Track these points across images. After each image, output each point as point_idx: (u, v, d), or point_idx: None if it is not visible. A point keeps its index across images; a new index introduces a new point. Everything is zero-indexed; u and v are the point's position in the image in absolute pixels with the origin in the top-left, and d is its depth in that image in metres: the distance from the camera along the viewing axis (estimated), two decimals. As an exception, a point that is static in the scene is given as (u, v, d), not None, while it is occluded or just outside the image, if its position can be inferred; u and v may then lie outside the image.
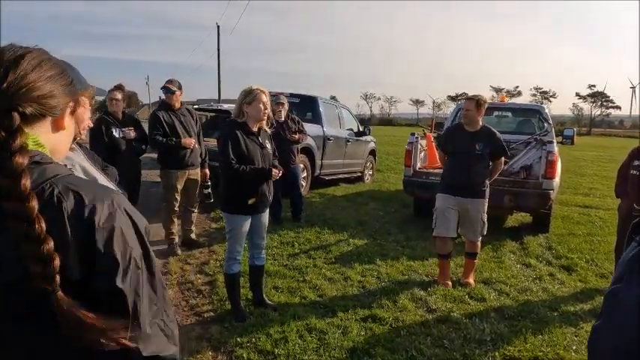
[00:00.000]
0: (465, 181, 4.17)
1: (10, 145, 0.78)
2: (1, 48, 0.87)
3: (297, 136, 6.22)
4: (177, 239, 5.16)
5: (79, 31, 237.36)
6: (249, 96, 3.33)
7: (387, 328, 3.38)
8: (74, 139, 2.48)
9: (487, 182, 4.30)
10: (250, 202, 3.35)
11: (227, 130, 3.39)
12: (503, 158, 4.47)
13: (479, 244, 4.37)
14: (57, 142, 0.94)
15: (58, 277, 0.77)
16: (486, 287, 4.32)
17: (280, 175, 3.48)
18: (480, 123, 4.26)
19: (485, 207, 4.27)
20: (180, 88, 4.99)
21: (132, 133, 4.76)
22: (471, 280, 4.38)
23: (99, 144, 4.43)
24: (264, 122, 3.52)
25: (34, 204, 0.77)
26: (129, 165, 4.62)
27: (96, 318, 0.78)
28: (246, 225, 3.44)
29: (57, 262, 0.77)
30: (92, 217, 0.81)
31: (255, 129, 3.44)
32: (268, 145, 3.52)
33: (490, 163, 4.30)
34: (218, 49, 34.91)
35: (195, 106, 9.08)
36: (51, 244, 0.76)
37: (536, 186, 5.95)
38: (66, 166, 0.97)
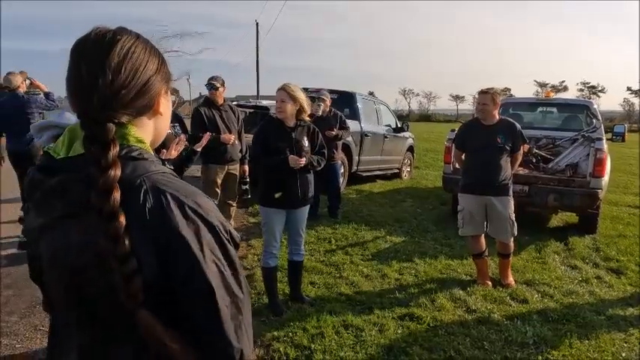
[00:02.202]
0: (488, 176, 4.05)
1: (104, 158, 0.76)
2: (84, 40, 0.82)
3: (333, 132, 6.18)
4: (216, 233, 5.25)
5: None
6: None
7: (424, 327, 3.34)
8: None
9: (511, 178, 4.17)
10: (277, 195, 3.38)
11: (258, 127, 3.48)
12: (522, 149, 4.30)
13: (511, 244, 4.21)
14: (157, 128, 0.92)
15: (140, 293, 0.75)
16: (529, 289, 4.19)
17: (302, 163, 3.40)
18: (497, 116, 4.15)
19: (512, 204, 4.13)
20: (223, 84, 5.07)
21: (183, 138, 4.82)
22: (511, 280, 4.27)
23: None
24: (305, 116, 3.53)
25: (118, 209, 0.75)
26: (173, 161, 4.73)
27: (180, 350, 0.75)
28: (280, 219, 3.47)
29: (137, 280, 0.75)
30: (173, 217, 0.77)
31: (291, 124, 3.46)
32: (305, 141, 3.53)
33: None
34: (257, 47, 35.34)
35: (234, 103, 9.23)
36: (126, 248, 0.74)
37: (583, 185, 5.72)
38: (164, 163, 0.96)
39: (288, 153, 3.41)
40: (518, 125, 4.19)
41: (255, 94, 34.00)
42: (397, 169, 10.59)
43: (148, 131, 0.90)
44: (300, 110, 3.48)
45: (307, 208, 3.65)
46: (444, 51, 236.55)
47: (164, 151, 2.98)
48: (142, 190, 0.78)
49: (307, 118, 3.59)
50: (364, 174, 9.14)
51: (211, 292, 0.78)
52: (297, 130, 3.52)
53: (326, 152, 3.69)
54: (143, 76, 0.84)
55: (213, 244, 0.80)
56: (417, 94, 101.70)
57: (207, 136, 3.51)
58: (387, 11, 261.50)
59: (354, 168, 8.68)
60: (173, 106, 5.05)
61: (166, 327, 0.76)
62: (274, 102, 3.94)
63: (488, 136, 4.09)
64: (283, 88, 3.41)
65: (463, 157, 4.40)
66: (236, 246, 0.85)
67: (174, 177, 0.85)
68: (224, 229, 0.83)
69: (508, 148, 4.08)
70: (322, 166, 3.63)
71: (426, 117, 74.92)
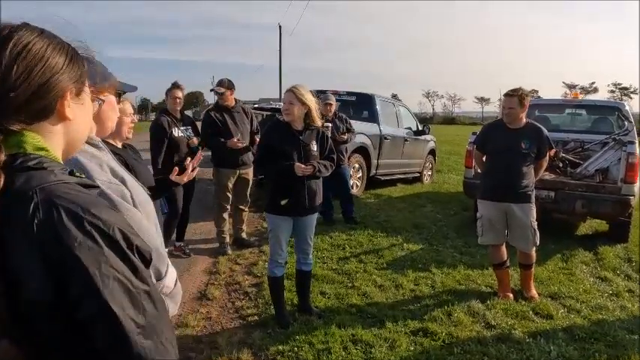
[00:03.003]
0: (509, 182, 3.80)
1: None
2: None
3: (345, 136, 6.04)
4: (228, 238, 5.15)
5: (138, 34, 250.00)
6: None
7: (439, 344, 3.12)
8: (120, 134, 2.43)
9: (533, 185, 3.91)
10: (283, 202, 3.23)
11: (264, 131, 3.35)
12: (548, 155, 4.02)
13: (533, 254, 3.94)
14: (69, 135, 0.83)
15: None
16: (554, 302, 3.92)
17: (308, 172, 3.24)
18: (524, 120, 3.89)
19: (534, 212, 3.87)
20: (229, 87, 4.95)
21: (195, 140, 4.75)
22: (534, 293, 4.00)
23: (160, 143, 4.47)
24: (317, 120, 3.38)
25: None
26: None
27: None
28: (286, 227, 3.33)
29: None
30: (66, 233, 0.69)
31: (298, 127, 3.31)
32: (314, 145, 3.37)
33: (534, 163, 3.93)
34: (280, 49, 35.41)
35: (255, 105, 9.15)
36: None
37: (613, 191, 5.39)
38: (73, 172, 0.83)
39: (296, 158, 3.26)
40: (545, 130, 3.94)
41: (278, 96, 34.08)
42: (418, 172, 10.34)
43: (53, 139, 0.79)
44: (309, 113, 3.34)
45: (315, 215, 3.49)
46: (467, 51, 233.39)
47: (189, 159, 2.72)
48: (32, 203, 0.70)
49: (319, 123, 3.43)
50: (383, 178, 8.93)
51: (111, 313, 0.69)
52: (306, 133, 3.36)
53: (335, 157, 3.52)
54: (41, 77, 0.74)
55: (115, 261, 0.72)
56: (442, 97, 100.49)
57: (192, 163, 2.64)
58: (410, 11, 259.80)
59: (373, 172, 8.49)
60: (192, 108, 5.00)
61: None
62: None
63: (512, 139, 3.85)
64: (291, 90, 3.27)
65: (484, 159, 4.17)
66: (145, 261, 0.77)
67: (77, 188, 0.75)
68: (128, 244, 0.74)
69: (533, 154, 3.84)
70: (330, 172, 3.47)
71: (450, 120, 74.03)
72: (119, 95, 1.73)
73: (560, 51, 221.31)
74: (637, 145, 5.64)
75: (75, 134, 0.84)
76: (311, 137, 3.39)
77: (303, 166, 3.21)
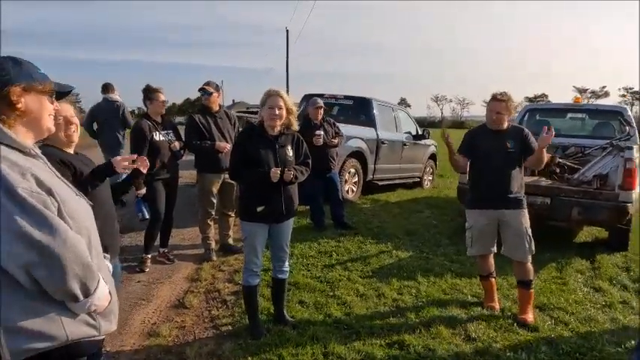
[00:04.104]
0: (499, 187, 3.65)
1: None
2: None
3: (336, 140, 5.95)
4: (213, 244, 5.07)
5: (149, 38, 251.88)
6: (263, 98, 3.17)
7: (413, 358, 3.00)
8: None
9: (523, 190, 3.76)
10: (259, 209, 3.13)
11: (238, 136, 3.25)
12: (541, 153, 3.67)
13: (530, 266, 3.69)
14: None
15: None
16: (541, 314, 3.76)
17: (289, 177, 3.16)
18: (507, 123, 3.77)
19: (527, 218, 3.71)
20: (217, 89, 4.89)
21: (177, 144, 4.67)
22: (530, 317, 3.62)
23: (141, 147, 4.40)
24: (295, 125, 3.30)
25: None
26: (168, 168, 4.59)
27: None
28: (262, 234, 3.23)
29: None
30: None
31: (274, 132, 3.22)
32: (290, 150, 3.28)
33: (522, 165, 3.77)
34: (287, 54, 35.41)
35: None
36: None
37: (610, 198, 5.22)
38: None
39: (272, 163, 3.17)
40: (527, 130, 3.81)
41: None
42: (418, 177, 10.20)
43: None
44: (290, 118, 3.26)
45: (292, 221, 3.39)
46: (480, 54, 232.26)
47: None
48: None
49: (296, 128, 3.35)
50: (381, 183, 8.81)
51: None
52: (281, 138, 3.27)
53: (310, 162, 3.43)
54: None
55: None
56: (450, 101, 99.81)
57: (142, 160, 2.74)
58: (416, 12, 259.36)
59: (370, 177, 8.37)
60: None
61: None
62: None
63: (497, 141, 3.72)
64: (280, 95, 3.17)
65: (468, 166, 4.03)
66: None
67: None
68: None
69: (518, 154, 3.70)
70: (306, 177, 3.37)
71: (459, 124, 73.47)
72: (56, 96, 1.62)
73: (571, 54, 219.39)
74: (635, 150, 5.47)
75: None
76: (287, 142, 3.31)
77: (276, 172, 3.11)
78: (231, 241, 5.29)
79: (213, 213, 5.04)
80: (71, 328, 1.37)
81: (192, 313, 3.70)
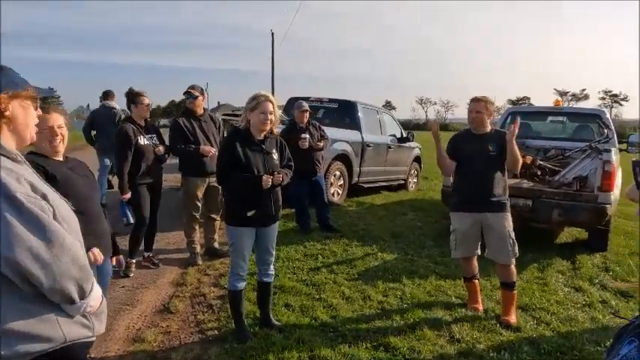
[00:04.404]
0: (482, 191, 3.71)
1: None
2: None
3: (321, 144, 5.98)
4: (198, 248, 5.05)
5: (129, 41, 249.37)
6: (252, 102, 3.15)
7: (398, 359, 3.03)
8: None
9: (507, 193, 3.83)
10: (249, 214, 3.13)
11: (225, 140, 3.25)
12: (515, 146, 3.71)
13: (513, 268, 3.75)
14: None
15: None
16: (523, 314, 3.83)
17: (278, 181, 3.19)
18: (489, 126, 3.87)
19: (510, 222, 3.77)
20: (202, 93, 4.89)
21: (162, 149, 4.64)
22: (513, 319, 3.67)
23: (126, 151, 4.36)
24: (274, 129, 3.33)
25: None
26: (152, 172, 4.56)
27: None
28: (249, 238, 3.23)
29: None
30: None
31: (260, 137, 3.23)
32: (275, 154, 3.30)
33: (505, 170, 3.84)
34: (272, 56, 35.39)
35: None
36: None
37: (590, 199, 5.34)
38: None
39: (261, 168, 3.18)
40: (508, 132, 3.89)
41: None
42: (403, 180, 10.28)
43: None
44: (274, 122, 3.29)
45: (277, 224, 3.41)
46: (465, 55, 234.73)
47: None
48: None
49: (276, 132, 3.39)
50: (366, 185, 8.86)
51: None
52: (267, 142, 3.28)
53: (293, 165, 3.46)
54: None
55: None
56: (435, 103, 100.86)
57: None
58: (402, 15, 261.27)
59: (355, 179, 8.41)
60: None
61: None
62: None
63: (479, 144, 3.79)
64: (270, 100, 3.18)
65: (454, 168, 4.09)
66: None
67: None
68: None
69: (500, 157, 3.77)
70: (289, 179, 3.40)
71: (443, 126, 73.91)
72: (38, 101, 1.61)
73: (553, 57, 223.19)
74: (613, 152, 5.60)
75: None
76: (272, 146, 3.32)
77: (269, 179, 3.13)
78: (216, 244, 5.27)
79: (199, 217, 5.02)
80: (68, 329, 1.39)
81: (177, 318, 3.68)
